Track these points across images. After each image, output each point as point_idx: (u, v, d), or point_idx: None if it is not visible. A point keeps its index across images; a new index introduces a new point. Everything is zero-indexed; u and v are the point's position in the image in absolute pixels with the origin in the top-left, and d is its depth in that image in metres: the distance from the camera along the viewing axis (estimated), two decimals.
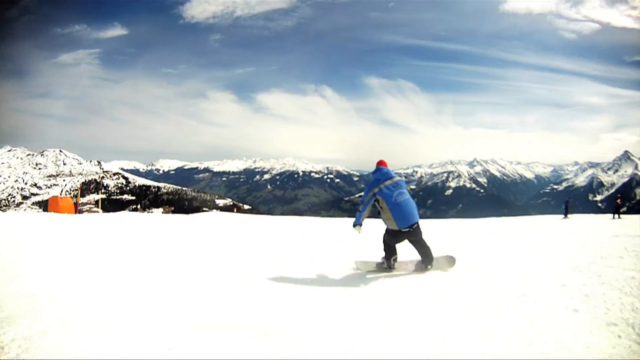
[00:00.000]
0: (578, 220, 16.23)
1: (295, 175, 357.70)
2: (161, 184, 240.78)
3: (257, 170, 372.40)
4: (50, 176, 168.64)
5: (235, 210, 43.83)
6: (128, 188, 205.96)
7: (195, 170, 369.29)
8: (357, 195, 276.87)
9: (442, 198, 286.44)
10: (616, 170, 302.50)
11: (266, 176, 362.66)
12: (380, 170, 4.04)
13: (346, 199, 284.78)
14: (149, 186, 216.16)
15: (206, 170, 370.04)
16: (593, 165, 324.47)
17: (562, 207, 20.32)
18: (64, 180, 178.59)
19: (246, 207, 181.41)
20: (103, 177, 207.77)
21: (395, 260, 4.19)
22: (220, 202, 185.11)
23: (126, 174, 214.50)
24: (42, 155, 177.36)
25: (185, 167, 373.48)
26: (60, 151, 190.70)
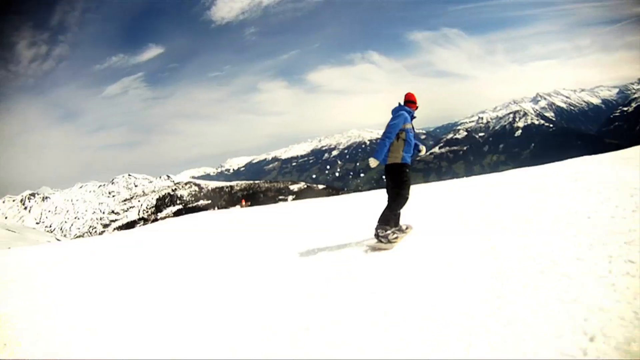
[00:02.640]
0: None
1: (363, 145, 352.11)
2: (233, 183, 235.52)
3: (324, 148, 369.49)
4: (125, 200, 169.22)
5: (243, 204, 35.37)
6: (202, 193, 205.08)
7: (264, 162, 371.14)
8: (428, 154, 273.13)
9: (513, 140, 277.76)
10: None
11: (334, 152, 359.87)
12: (411, 109, 3.97)
13: (418, 158, 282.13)
14: (222, 187, 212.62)
15: (275, 159, 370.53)
16: None
17: None
18: (138, 201, 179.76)
19: (320, 186, 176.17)
20: (175, 189, 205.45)
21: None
22: (295, 187, 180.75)
23: (197, 181, 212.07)
24: (112, 183, 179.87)
25: (254, 161, 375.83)
26: (129, 175, 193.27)
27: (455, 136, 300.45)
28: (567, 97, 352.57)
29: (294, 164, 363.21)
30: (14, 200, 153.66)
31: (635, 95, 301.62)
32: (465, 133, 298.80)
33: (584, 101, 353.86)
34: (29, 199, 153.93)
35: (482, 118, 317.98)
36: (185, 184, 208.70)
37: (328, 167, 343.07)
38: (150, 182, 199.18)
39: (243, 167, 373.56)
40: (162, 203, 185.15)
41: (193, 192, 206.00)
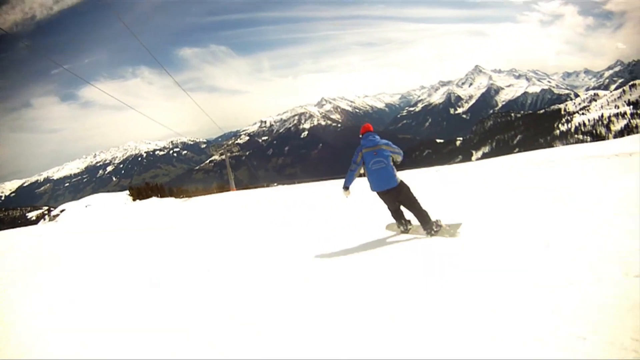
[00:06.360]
0: None
1: (139, 158, 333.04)
2: None
3: (98, 164, 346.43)
4: None
5: None
6: None
7: (35, 185, 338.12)
8: (207, 162, 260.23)
9: (299, 142, 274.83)
10: (471, 84, 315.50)
11: (109, 168, 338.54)
12: (366, 137, 4.26)
13: (197, 167, 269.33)
14: None
15: (47, 180, 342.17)
16: (445, 83, 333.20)
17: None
18: None
19: None
20: None
21: (406, 223, 4.39)
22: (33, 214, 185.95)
23: None
24: None
25: (26, 185, 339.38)
26: None
27: (236, 142, 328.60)
28: (351, 101, 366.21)
29: (67, 184, 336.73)
30: None
31: (422, 97, 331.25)
32: (248, 138, 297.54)
33: (369, 105, 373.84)
34: None
35: (265, 122, 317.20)
36: None
37: (103, 184, 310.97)
38: None
39: (14, 192, 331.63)
40: None
41: None
